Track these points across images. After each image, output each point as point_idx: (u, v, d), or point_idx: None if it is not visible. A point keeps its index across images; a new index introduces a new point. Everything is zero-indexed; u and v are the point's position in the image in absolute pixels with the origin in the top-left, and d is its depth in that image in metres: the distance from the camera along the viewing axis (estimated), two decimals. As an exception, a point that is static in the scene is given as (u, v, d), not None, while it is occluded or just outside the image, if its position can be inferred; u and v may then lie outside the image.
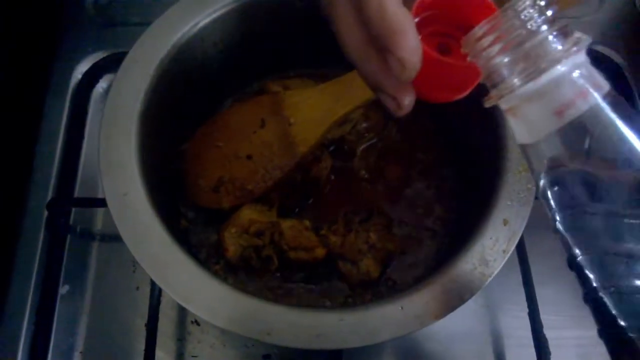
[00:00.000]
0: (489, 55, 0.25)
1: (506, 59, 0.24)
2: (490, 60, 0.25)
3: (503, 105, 0.26)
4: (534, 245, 0.51)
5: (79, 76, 0.61)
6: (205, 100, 0.53)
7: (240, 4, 0.48)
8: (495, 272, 0.38)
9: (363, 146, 0.54)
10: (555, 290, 0.53)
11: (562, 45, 0.23)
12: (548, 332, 0.47)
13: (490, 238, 0.39)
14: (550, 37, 0.23)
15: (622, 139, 0.23)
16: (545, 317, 0.48)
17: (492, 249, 0.38)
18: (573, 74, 0.23)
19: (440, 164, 0.53)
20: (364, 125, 0.54)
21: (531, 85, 0.23)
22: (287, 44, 0.52)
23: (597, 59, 0.65)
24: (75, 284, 0.52)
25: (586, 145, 0.23)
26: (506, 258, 0.38)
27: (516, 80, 0.24)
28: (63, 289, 0.52)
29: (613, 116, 0.23)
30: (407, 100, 0.29)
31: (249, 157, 0.48)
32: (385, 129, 0.54)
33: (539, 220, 0.54)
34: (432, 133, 0.55)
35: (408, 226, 0.50)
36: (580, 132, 0.23)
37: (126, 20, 0.65)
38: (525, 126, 0.25)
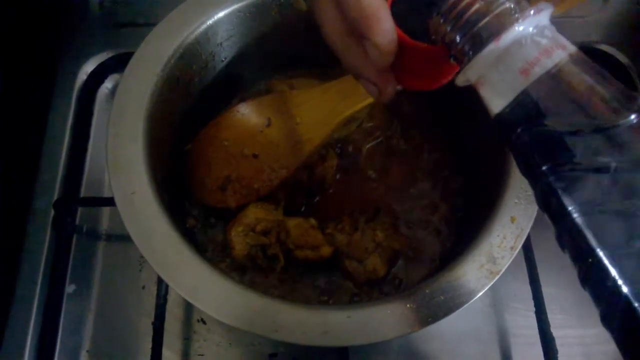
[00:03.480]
0: (451, 30, 0.25)
1: (466, 31, 0.25)
2: (453, 35, 0.25)
3: (472, 78, 0.26)
4: (540, 244, 0.50)
5: (85, 76, 0.62)
6: (211, 99, 0.53)
7: (245, 4, 0.48)
8: (503, 270, 0.38)
9: (368, 145, 0.54)
10: (562, 289, 0.53)
11: (520, 9, 0.24)
12: (555, 331, 0.47)
13: (498, 235, 0.39)
14: (508, 5, 0.24)
15: (588, 93, 0.23)
16: (552, 316, 0.48)
17: (499, 247, 0.38)
18: (535, 35, 0.24)
19: (446, 162, 0.53)
20: (370, 124, 0.54)
21: (493, 47, 0.24)
22: (292, 43, 0.52)
23: (601, 58, 0.65)
24: (82, 283, 0.52)
25: (553, 102, 0.23)
26: (514, 255, 0.38)
27: (477, 47, 0.24)
28: (69, 288, 0.52)
29: (580, 71, 0.23)
30: (388, 87, 0.31)
31: (255, 156, 0.48)
32: (390, 128, 0.54)
33: (545, 219, 0.55)
34: (437, 132, 0.55)
35: (414, 225, 0.50)
36: (548, 89, 0.23)
37: (131, 20, 0.65)
38: (495, 92, 0.25)
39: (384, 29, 0.27)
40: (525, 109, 0.24)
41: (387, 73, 0.30)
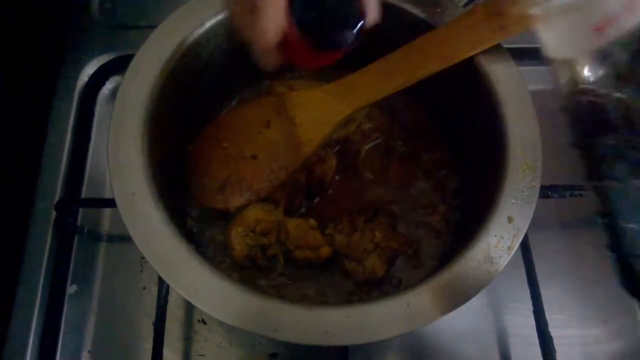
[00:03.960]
0: None
1: None
2: None
3: (535, 11, 0.22)
4: (538, 245, 0.51)
5: (86, 78, 0.62)
6: (211, 100, 0.53)
7: (246, 6, 0.48)
8: (500, 269, 0.38)
9: (367, 146, 0.54)
10: (560, 289, 0.53)
11: None
12: (553, 331, 0.48)
13: (495, 235, 0.39)
14: None
15: None
16: (550, 316, 0.48)
17: (496, 247, 0.39)
18: None
19: (444, 163, 0.53)
20: (368, 125, 0.54)
21: None
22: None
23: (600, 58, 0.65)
24: (83, 284, 0.52)
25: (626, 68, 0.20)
26: (511, 255, 0.38)
27: None
28: (71, 289, 0.52)
29: None
30: (269, 59, 0.34)
31: (255, 157, 0.48)
32: (389, 129, 0.55)
33: (543, 219, 0.55)
34: (436, 133, 0.55)
35: (413, 225, 0.50)
36: (621, 54, 0.20)
37: (131, 22, 0.66)
38: (558, 39, 0.21)
39: (273, 17, 0.30)
40: (586, 69, 0.20)
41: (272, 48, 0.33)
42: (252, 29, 0.32)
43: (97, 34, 0.65)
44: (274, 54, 0.34)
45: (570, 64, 0.23)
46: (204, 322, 0.51)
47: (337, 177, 0.52)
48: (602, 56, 0.22)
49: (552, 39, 0.23)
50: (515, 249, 0.39)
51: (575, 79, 0.23)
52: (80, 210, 0.55)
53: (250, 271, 0.47)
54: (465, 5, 0.52)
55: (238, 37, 0.34)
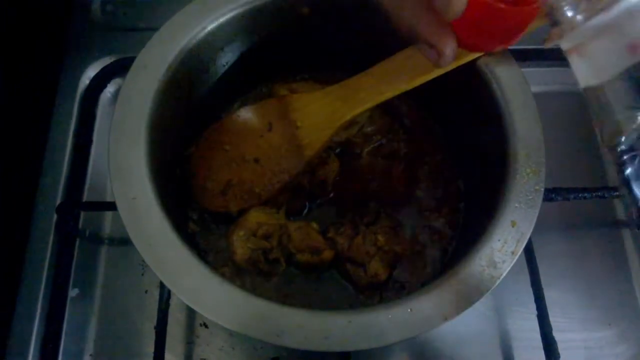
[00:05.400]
0: None
1: None
2: None
3: (565, 45, 0.23)
4: (542, 248, 0.51)
5: (87, 81, 0.62)
6: (212, 103, 0.53)
7: (247, 9, 0.48)
8: (504, 274, 0.37)
9: (369, 149, 0.54)
10: (564, 292, 0.53)
11: None
12: (557, 334, 0.47)
13: (499, 240, 0.39)
14: None
15: None
16: (554, 319, 0.48)
17: (500, 251, 0.38)
18: None
19: (447, 166, 0.53)
20: (370, 128, 0.54)
21: (600, 18, 0.21)
22: (293, 47, 0.52)
23: None
24: (85, 287, 0.52)
25: None
26: (515, 260, 0.38)
27: (582, 16, 0.22)
28: (73, 292, 0.52)
29: None
30: (448, 48, 0.28)
31: (256, 160, 0.48)
32: (391, 131, 0.54)
33: (546, 222, 0.55)
34: (438, 135, 0.55)
35: (415, 228, 0.50)
36: None
37: (133, 25, 0.66)
38: (592, 66, 0.22)
39: None
40: (624, 90, 0.21)
41: (448, 31, 0.27)
42: (420, 8, 0.27)
43: (98, 36, 0.65)
44: (450, 34, 0.28)
45: (601, 92, 0.23)
46: (206, 326, 0.50)
47: (338, 180, 0.52)
48: None
49: (586, 67, 0.23)
50: (519, 254, 0.38)
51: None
52: (82, 213, 0.55)
53: (252, 275, 0.47)
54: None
55: (404, 32, 0.29)
